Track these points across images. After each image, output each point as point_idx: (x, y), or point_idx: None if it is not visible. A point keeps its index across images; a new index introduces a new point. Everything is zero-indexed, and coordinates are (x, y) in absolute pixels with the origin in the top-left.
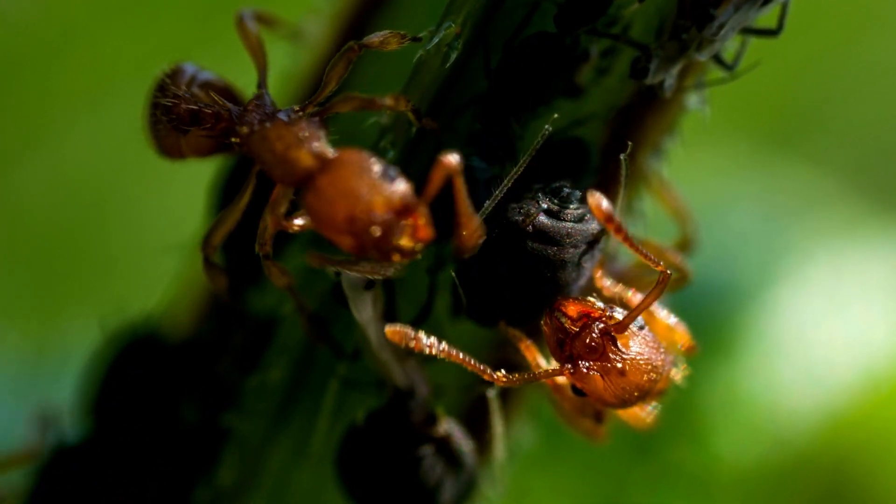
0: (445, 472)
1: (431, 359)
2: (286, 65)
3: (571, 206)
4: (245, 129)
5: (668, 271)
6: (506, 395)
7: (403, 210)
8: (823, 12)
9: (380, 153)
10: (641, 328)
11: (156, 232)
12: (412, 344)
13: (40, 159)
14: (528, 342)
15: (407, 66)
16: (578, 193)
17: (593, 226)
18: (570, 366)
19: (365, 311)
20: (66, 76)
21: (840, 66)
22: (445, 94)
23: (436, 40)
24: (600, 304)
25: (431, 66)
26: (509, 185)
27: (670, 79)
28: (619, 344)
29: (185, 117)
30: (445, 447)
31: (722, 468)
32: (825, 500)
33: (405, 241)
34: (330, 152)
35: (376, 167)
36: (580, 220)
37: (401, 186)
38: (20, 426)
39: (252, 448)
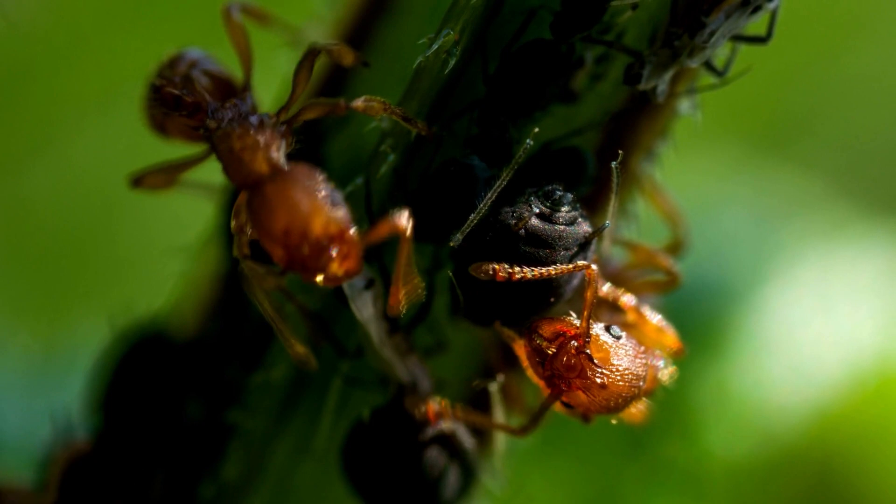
0: (448, 466)
1: (432, 355)
2: (288, 70)
3: (563, 209)
4: (213, 124)
5: (594, 268)
6: (504, 391)
7: (338, 237)
8: (811, 21)
9: (380, 157)
10: (618, 338)
11: (162, 234)
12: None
13: (50, 162)
14: (522, 342)
15: (407, 73)
16: (570, 196)
17: (585, 228)
18: (555, 388)
19: (366, 309)
20: (75, 82)
21: (827, 74)
22: (444, 99)
23: (435, 47)
24: (575, 321)
25: (431, 71)
26: (497, 192)
27: (663, 84)
28: (595, 359)
29: (168, 100)
30: (448, 441)
31: (713, 462)
32: (813, 493)
33: (332, 267)
34: (283, 164)
35: (323, 190)
36: (572, 222)
37: (341, 213)
38: (31, 423)
39: (256, 444)
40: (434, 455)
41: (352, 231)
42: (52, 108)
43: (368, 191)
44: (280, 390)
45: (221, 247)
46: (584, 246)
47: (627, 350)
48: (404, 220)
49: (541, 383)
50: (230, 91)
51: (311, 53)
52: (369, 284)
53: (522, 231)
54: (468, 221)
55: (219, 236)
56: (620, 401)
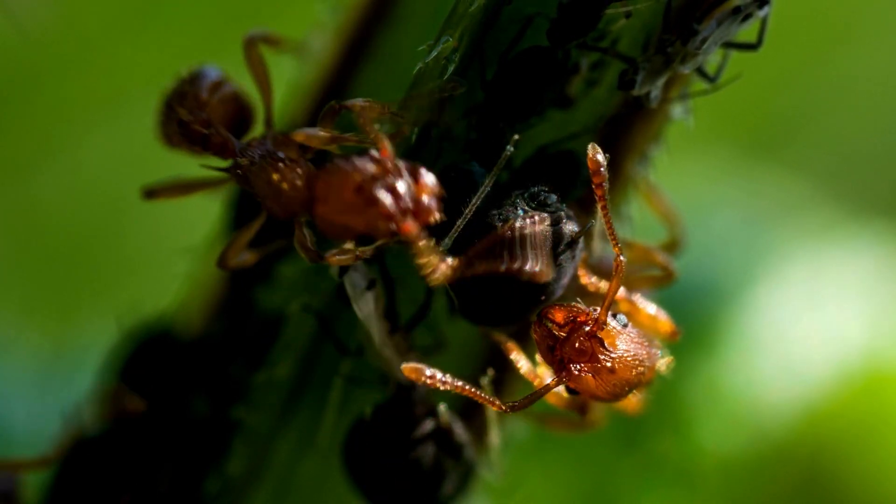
0: (446, 461)
1: (431, 354)
2: (292, 77)
3: (549, 209)
4: (245, 161)
5: (622, 258)
6: (501, 389)
7: (396, 167)
8: (800, 28)
9: None
10: (626, 326)
11: (169, 235)
12: (428, 381)
13: (59, 166)
14: (512, 343)
15: (407, 78)
16: (555, 197)
17: (571, 227)
18: (563, 372)
19: (367, 309)
20: (84, 87)
21: (816, 79)
22: (443, 104)
23: (434, 53)
24: (585, 308)
25: (430, 77)
26: (484, 194)
27: (656, 90)
28: (606, 344)
29: (195, 136)
30: (446, 437)
31: (704, 458)
32: (802, 488)
33: (419, 195)
34: (313, 171)
35: (358, 156)
36: (558, 222)
37: (386, 154)
38: (41, 420)
39: (260, 440)
40: (432, 451)
41: (423, 170)
42: (62, 112)
43: None
44: (283, 388)
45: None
46: (570, 245)
47: (633, 337)
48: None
49: (549, 368)
50: (247, 115)
51: (332, 110)
52: (371, 285)
53: (509, 233)
54: (456, 226)
55: (224, 237)
56: (626, 387)
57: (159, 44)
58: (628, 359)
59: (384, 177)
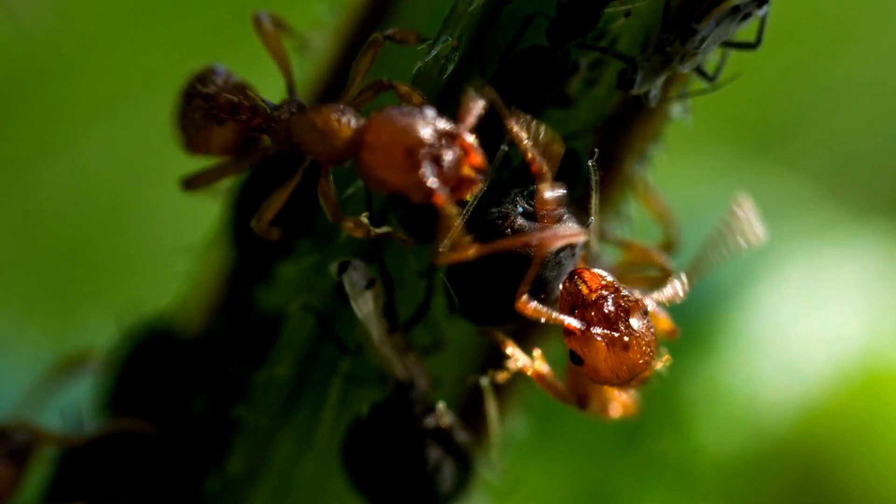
0: (444, 460)
1: (430, 353)
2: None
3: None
4: (284, 114)
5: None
6: (500, 388)
7: (449, 134)
8: (799, 27)
9: None
10: (645, 314)
11: (169, 234)
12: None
13: (59, 165)
14: (510, 341)
15: (407, 78)
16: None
17: (570, 225)
18: (581, 325)
19: (366, 308)
20: (84, 86)
21: (815, 79)
22: (443, 104)
23: (434, 53)
24: (614, 281)
25: (429, 77)
26: (481, 194)
27: (655, 89)
28: (630, 319)
29: (224, 106)
30: (445, 436)
31: (703, 457)
32: (800, 487)
33: (463, 168)
34: (363, 121)
35: (407, 108)
36: (557, 220)
37: (442, 119)
38: (39, 420)
39: (260, 439)
40: (431, 449)
41: (460, 128)
42: (62, 112)
43: (369, 192)
44: (283, 387)
45: (226, 247)
46: (571, 246)
47: (650, 326)
48: (483, 89)
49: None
50: (255, 106)
51: (376, 42)
52: (370, 284)
53: (509, 230)
54: (454, 226)
55: (224, 237)
56: (628, 372)
57: (159, 44)
58: (643, 342)
59: (435, 144)
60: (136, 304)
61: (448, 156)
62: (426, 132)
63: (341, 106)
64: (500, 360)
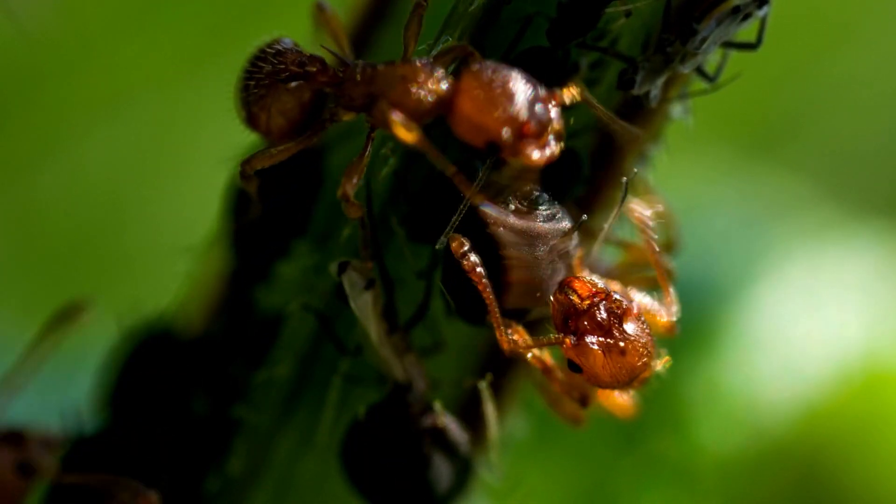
0: (443, 461)
1: (429, 354)
2: None
3: (541, 207)
4: (357, 72)
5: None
6: (499, 388)
7: (545, 97)
8: (799, 28)
9: (380, 160)
10: (640, 316)
11: (169, 234)
12: (465, 265)
13: (60, 165)
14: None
15: None
16: (547, 196)
17: (564, 224)
18: (574, 338)
19: (366, 308)
20: (84, 86)
21: (815, 79)
22: None
23: (434, 53)
24: (606, 286)
25: None
26: (475, 193)
27: (655, 90)
28: (624, 324)
29: (294, 61)
30: (443, 437)
31: (704, 457)
32: (800, 487)
33: (556, 124)
34: (449, 76)
35: (501, 65)
36: (551, 219)
37: (534, 87)
38: (41, 419)
39: (260, 439)
40: (429, 450)
41: (553, 93)
42: (62, 112)
43: (369, 192)
44: (283, 387)
45: (226, 247)
46: (565, 248)
47: (646, 328)
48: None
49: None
50: (325, 63)
51: (420, 6)
52: (370, 284)
53: (501, 230)
54: (450, 224)
55: (224, 237)
56: (627, 375)
57: (159, 44)
58: (639, 345)
59: (533, 97)
60: (136, 304)
61: (542, 112)
62: (527, 87)
63: (425, 59)
64: (499, 360)
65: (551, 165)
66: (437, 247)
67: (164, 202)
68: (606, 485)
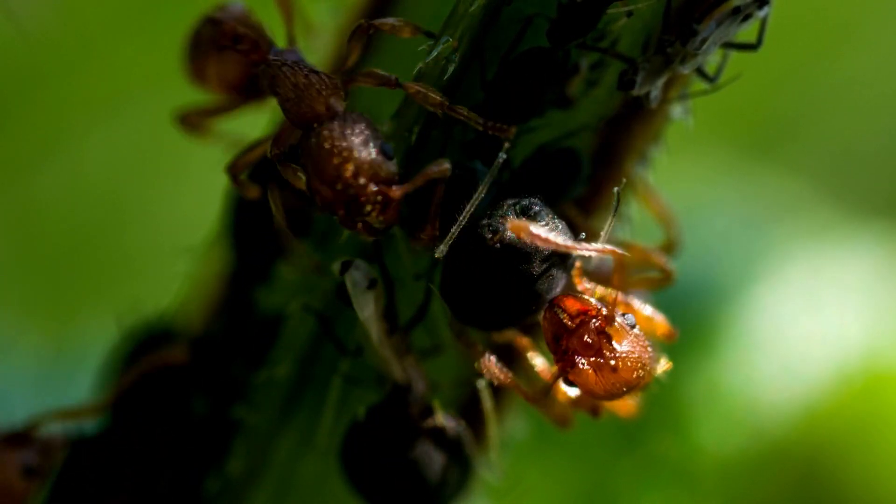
0: (442, 461)
1: (429, 356)
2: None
3: (540, 223)
4: (277, 60)
5: (619, 251)
6: (499, 390)
7: (385, 182)
8: (799, 28)
9: None
10: (633, 327)
11: (169, 235)
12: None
13: (59, 165)
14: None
15: (408, 79)
16: (548, 210)
17: (563, 236)
18: (566, 363)
19: (367, 309)
20: (84, 87)
21: (815, 80)
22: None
23: (434, 54)
24: (597, 303)
25: (430, 78)
26: (476, 203)
27: (656, 90)
28: (613, 342)
29: (228, 34)
30: (442, 438)
31: (704, 457)
32: (800, 487)
33: (372, 216)
34: (341, 109)
35: (377, 139)
36: (550, 231)
37: (391, 164)
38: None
39: (260, 439)
40: (429, 450)
41: (396, 185)
42: (62, 112)
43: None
44: (283, 387)
45: (226, 248)
46: (563, 257)
47: (639, 339)
48: (445, 164)
49: (554, 368)
50: (257, 42)
51: (360, 28)
52: (371, 284)
53: (498, 244)
54: (450, 233)
55: (224, 238)
56: (624, 388)
57: (159, 44)
58: (631, 360)
59: (364, 182)
60: (136, 304)
61: (368, 199)
62: (367, 165)
63: (332, 79)
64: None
65: (551, 165)
66: (436, 255)
67: (164, 202)
68: (606, 485)
